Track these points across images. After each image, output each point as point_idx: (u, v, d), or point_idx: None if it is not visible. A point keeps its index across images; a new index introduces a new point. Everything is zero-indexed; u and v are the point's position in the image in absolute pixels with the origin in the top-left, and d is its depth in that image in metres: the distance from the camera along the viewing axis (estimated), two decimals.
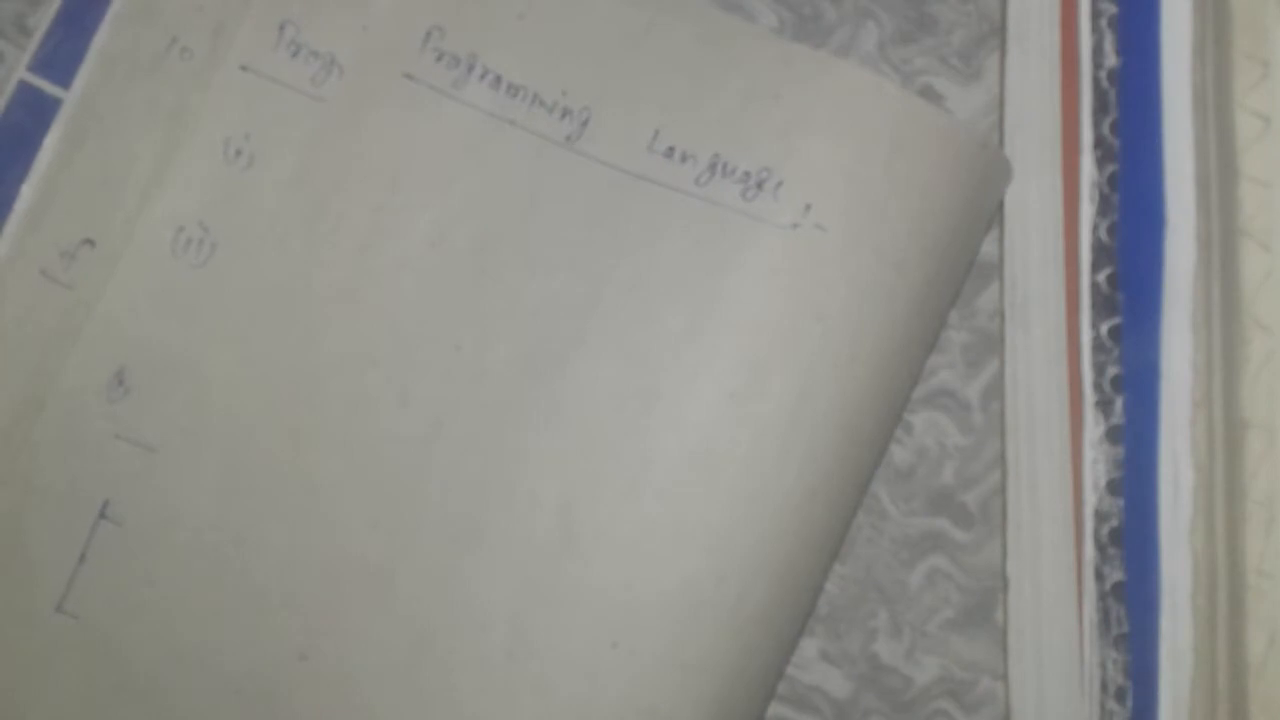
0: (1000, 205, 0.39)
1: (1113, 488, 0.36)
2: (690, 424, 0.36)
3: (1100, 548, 0.36)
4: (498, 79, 0.38)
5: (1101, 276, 0.36)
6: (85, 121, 0.37)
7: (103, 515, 0.36)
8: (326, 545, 0.36)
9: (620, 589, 0.35)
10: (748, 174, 0.37)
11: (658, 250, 0.37)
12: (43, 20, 0.37)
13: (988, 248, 0.39)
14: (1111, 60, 0.37)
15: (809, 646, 0.39)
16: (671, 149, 0.37)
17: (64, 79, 0.37)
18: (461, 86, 0.38)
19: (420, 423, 0.36)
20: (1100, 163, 0.37)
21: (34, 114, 0.37)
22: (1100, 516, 0.36)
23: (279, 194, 0.37)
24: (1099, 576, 0.36)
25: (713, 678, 0.35)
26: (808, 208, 0.36)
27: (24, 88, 0.37)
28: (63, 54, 0.37)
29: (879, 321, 0.36)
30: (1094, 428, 0.36)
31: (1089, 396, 0.36)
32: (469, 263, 0.37)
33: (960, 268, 0.38)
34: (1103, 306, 0.36)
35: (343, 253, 0.37)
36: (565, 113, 0.37)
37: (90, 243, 0.37)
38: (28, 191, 0.36)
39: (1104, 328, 0.36)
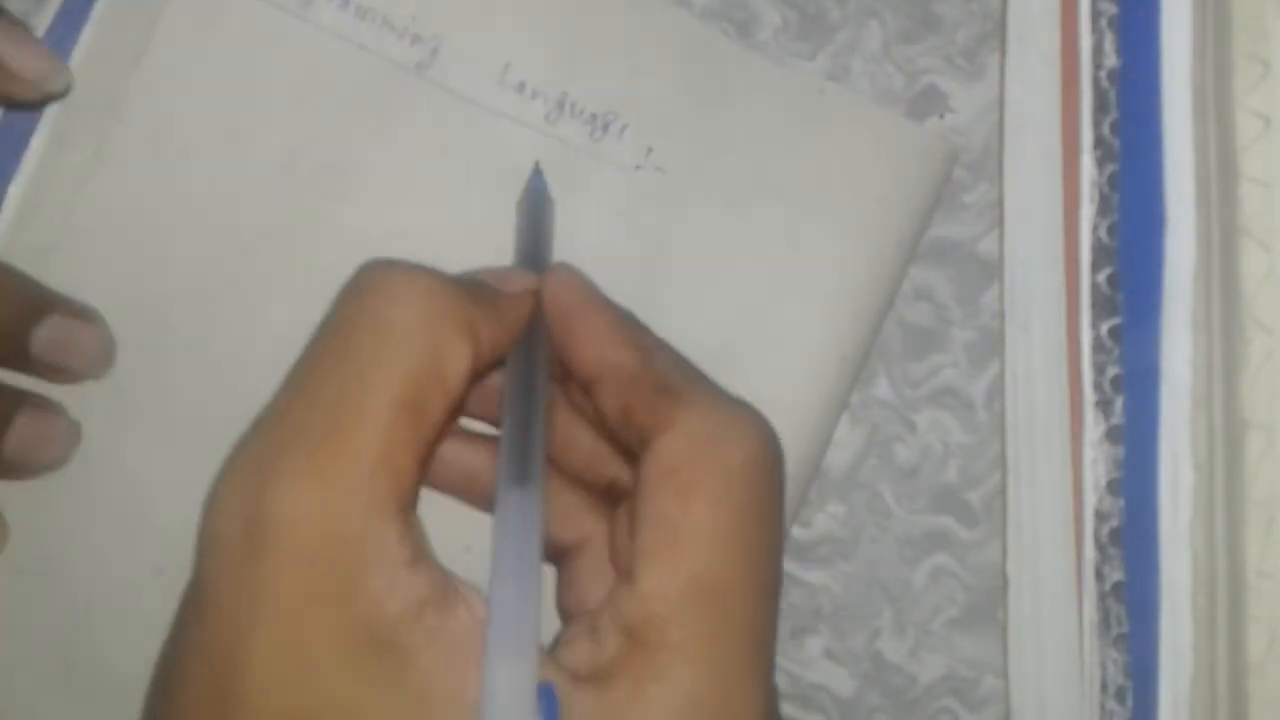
0: (931, 178, 0.39)
1: (1113, 488, 0.36)
2: None
3: (1100, 548, 0.36)
4: (345, 1, 0.38)
5: (1101, 276, 0.36)
6: (71, 118, 0.37)
7: None
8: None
9: None
10: (594, 115, 0.38)
11: (507, 184, 0.38)
12: (44, 19, 0.37)
13: (988, 247, 0.40)
14: (1111, 60, 0.37)
15: (814, 645, 0.39)
16: (522, 84, 0.38)
17: None
18: (308, 6, 0.38)
19: (269, 345, 0.36)
20: (1100, 163, 0.37)
21: (36, 113, 0.37)
22: (1100, 516, 0.36)
23: (140, 117, 0.38)
24: (1099, 576, 0.36)
25: None
26: (649, 150, 0.38)
27: None
28: (63, 52, 0.37)
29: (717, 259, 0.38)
30: (1094, 428, 0.36)
31: (1089, 396, 0.36)
32: (319, 186, 0.37)
33: (839, 212, 0.39)
34: (1103, 306, 0.36)
35: (193, 174, 0.37)
36: (415, 39, 0.38)
37: None
38: (15, 191, 0.37)
39: (1104, 328, 0.36)
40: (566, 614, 0.34)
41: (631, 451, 0.32)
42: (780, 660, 0.39)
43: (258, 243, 0.37)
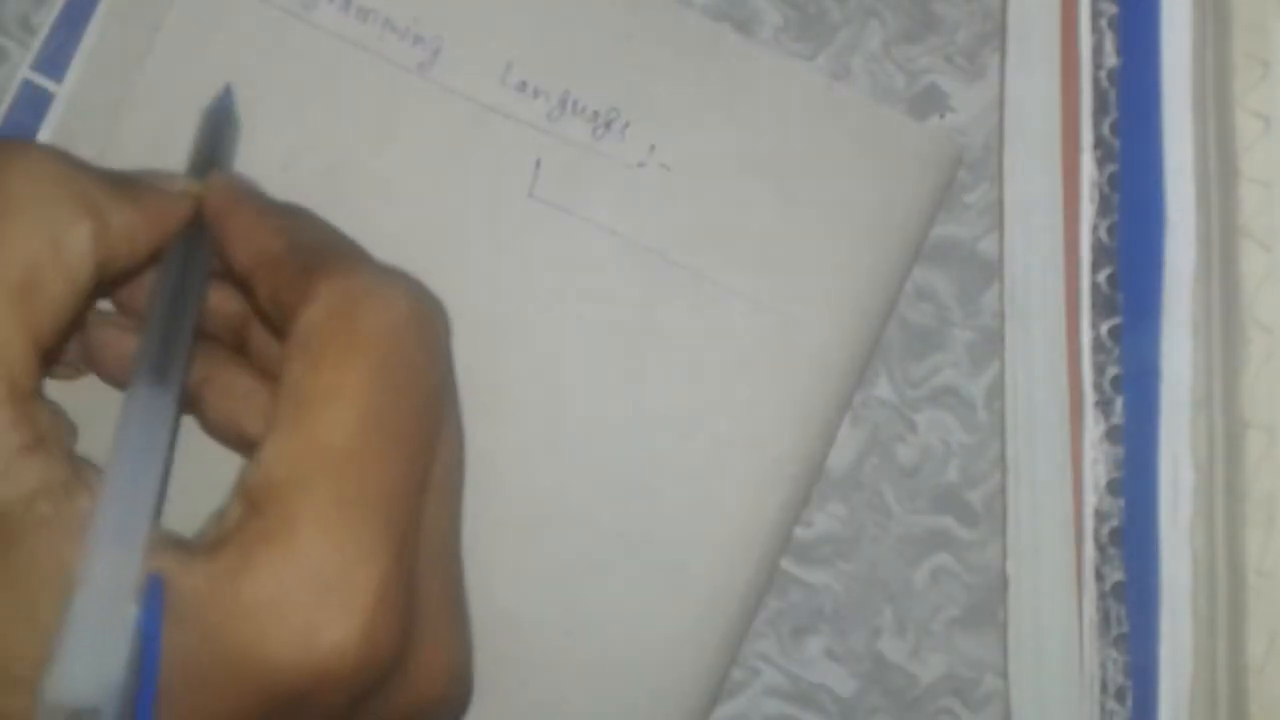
0: (941, 180, 0.39)
1: (1113, 488, 0.36)
2: None
3: (1100, 548, 0.36)
4: (347, 2, 0.38)
5: (1101, 276, 0.36)
6: (74, 120, 0.37)
7: None
8: None
9: None
10: (597, 113, 0.38)
11: (510, 183, 0.38)
12: (46, 19, 0.37)
13: (988, 247, 0.40)
14: (1111, 60, 0.37)
15: (814, 645, 0.39)
16: (524, 83, 0.38)
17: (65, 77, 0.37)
18: (311, 8, 0.38)
19: None
20: (1100, 163, 0.37)
21: (38, 113, 0.37)
22: (1100, 516, 0.36)
23: (143, 118, 0.38)
24: (1099, 576, 0.36)
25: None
26: (653, 148, 0.38)
27: (28, 86, 0.37)
28: (65, 53, 0.37)
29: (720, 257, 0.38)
30: (1094, 428, 0.36)
31: (1089, 396, 0.36)
32: (321, 188, 0.37)
33: (843, 211, 0.39)
34: (1103, 306, 0.36)
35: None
36: (417, 40, 0.38)
37: None
38: None
39: (1104, 328, 0.36)
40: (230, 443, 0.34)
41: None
42: (781, 659, 0.39)
43: None
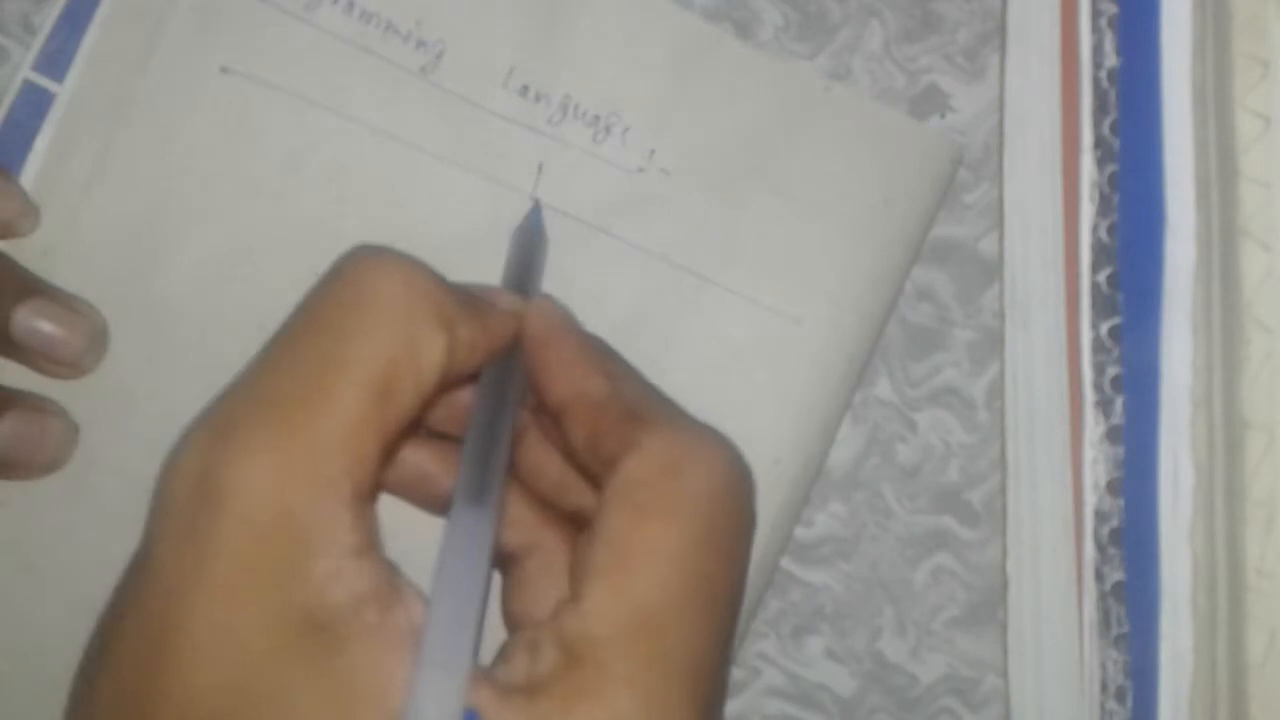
0: (940, 177, 0.39)
1: (1113, 488, 0.36)
2: None
3: (1100, 548, 0.36)
4: (350, 4, 0.38)
5: (1101, 276, 0.36)
6: (75, 121, 0.37)
7: None
8: None
9: None
10: (597, 117, 0.38)
11: (512, 188, 0.38)
12: (47, 19, 0.37)
13: (988, 247, 0.40)
14: (1111, 60, 0.37)
15: (814, 644, 0.39)
16: (525, 87, 0.38)
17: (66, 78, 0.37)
18: (314, 10, 0.38)
19: None
20: (1100, 163, 0.37)
21: (38, 113, 0.37)
22: (1100, 516, 0.36)
23: (145, 121, 0.38)
24: (1099, 576, 0.36)
25: None
26: (653, 152, 0.38)
27: (29, 86, 0.37)
28: (66, 53, 0.37)
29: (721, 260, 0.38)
30: (1094, 428, 0.36)
31: (1089, 396, 0.36)
32: (322, 190, 0.37)
33: (844, 212, 0.39)
34: (1103, 306, 0.36)
35: (197, 178, 0.37)
36: (420, 43, 0.38)
37: None
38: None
39: (1104, 328, 0.36)
40: (513, 624, 0.34)
41: (599, 481, 0.31)
42: (781, 659, 0.39)
43: (261, 246, 0.37)
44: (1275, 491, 0.34)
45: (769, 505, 0.38)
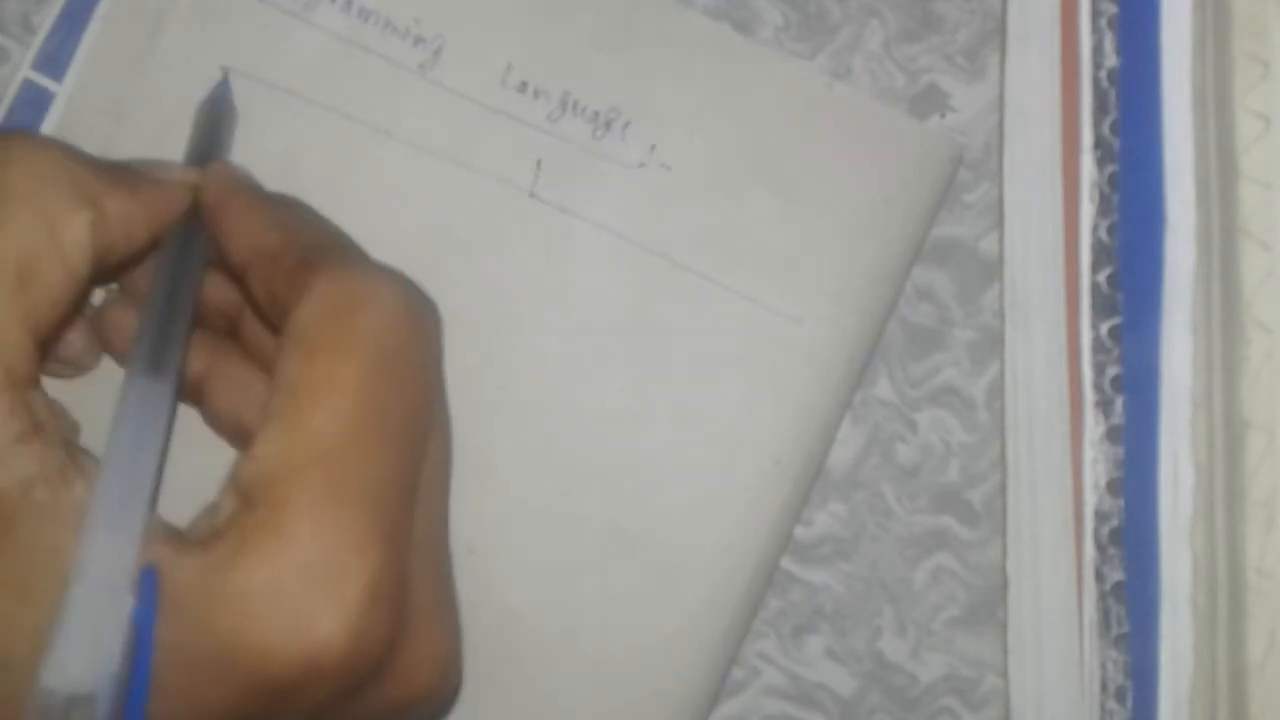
0: (943, 178, 0.39)
1: (1113, 488, 0.36)
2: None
3: (1100, 548, 0.36)
4: (349, 2, 0.38)
5: (1101, 276, 0.36)
6: (75, 120, 0.37)
7: None
8: None
9: None
10: (597, 113, 0.38)
11: (510, 183, 0.38)
12: (47, 18, 0.37)
13: (988, 247, 0.40)
14: (1111, 60, 0.37)
15: (814, 644, 0.39)
16: (524, 84, 0.38)
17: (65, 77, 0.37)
18: (312, 9, 0.38)
19: None
20: (1100, 163, 0.37)
21: (38, 112, 0.37)
22: (1100, 516, 0.36)
23: (143, 119, 0.38)
24: (1099, 576, 0.36)
25: None
26: (653, 148, 0.38)
27: (29, 86, 0.37)
28: (66, 52, 0.37)
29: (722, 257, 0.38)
30: (1094, 428, 0.36)
31: (1089, 396, 0.36)
32: (321, 188, 0.37)
33: (844, 210, 0.39)
34: (1103, 306, 0.36)
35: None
36: (418, 40, 0.38)
37: None
38: None
39: (1104, 328, 0.36)
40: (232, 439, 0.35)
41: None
42: (781, 659, 0.39)
43: None
44: (1275, 491, 0.34)
45: (769, 505, 0.38)
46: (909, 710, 0.39)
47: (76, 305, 0.31)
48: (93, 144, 0.37)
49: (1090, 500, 0.36)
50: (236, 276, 0.33)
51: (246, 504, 0.28)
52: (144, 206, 0.32)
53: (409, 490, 0.30)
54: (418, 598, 0.30)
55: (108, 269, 0.32)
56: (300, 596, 0.28)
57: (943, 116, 0.40)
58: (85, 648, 0.26)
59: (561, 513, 0.37)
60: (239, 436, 0.35)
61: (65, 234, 0.30)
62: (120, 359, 0.35)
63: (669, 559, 0.37)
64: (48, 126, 0.37)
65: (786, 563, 0.39)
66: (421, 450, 0.31)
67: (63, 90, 0.37)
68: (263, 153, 0.37)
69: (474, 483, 0.37)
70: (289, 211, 0.33)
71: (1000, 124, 0.39)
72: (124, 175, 0.32)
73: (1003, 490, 0.38)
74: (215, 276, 0.34)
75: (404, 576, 0.30)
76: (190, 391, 0.35)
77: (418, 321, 0.31)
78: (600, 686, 0.37)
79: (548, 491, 0.37)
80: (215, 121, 0.36)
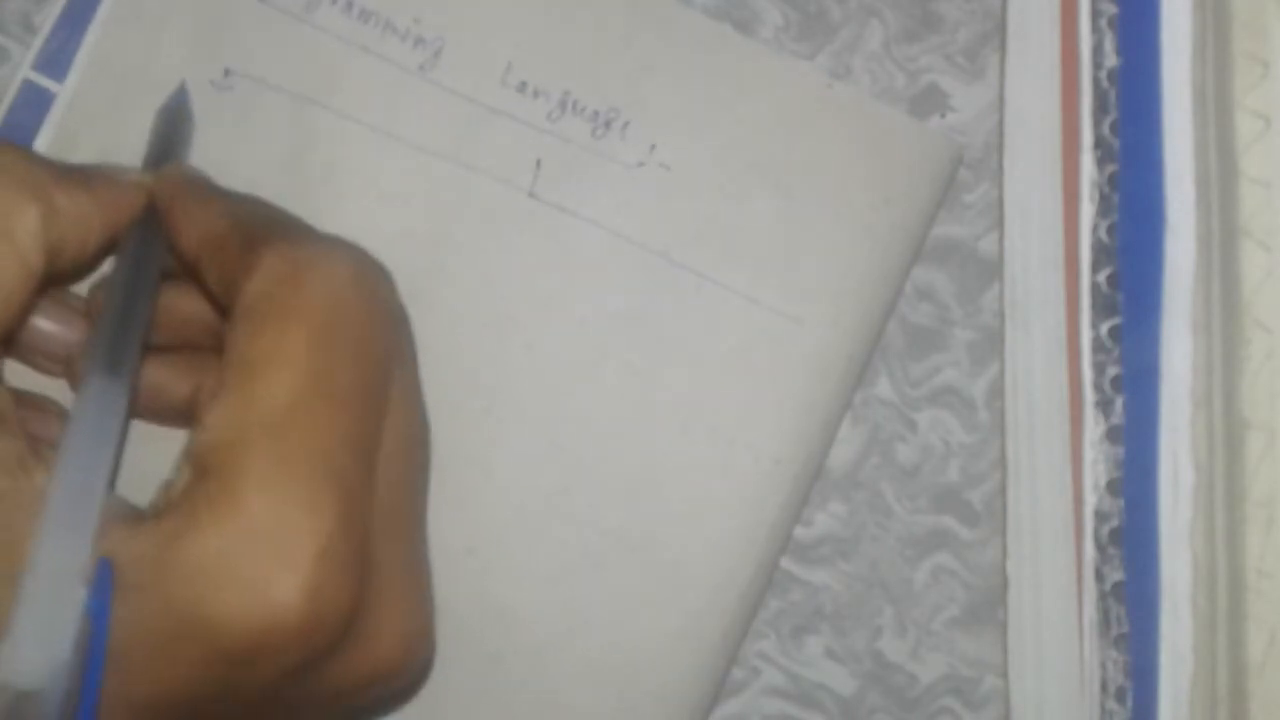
0: (943, 177, 0.39)
1: (1113, 488, 0.36)
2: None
3: (1100, 548, 0.36)
4: (349, 3, 0.38)
5: (1101, 276, 0.36)
6: (75, 120, 0.37)
7: None
8: None
9: None
10: (597, 113, 0.38)
11: (510, 183, 0.38)
12: (48, 18, 0.37)
13: (988, 247, 0.40)
14: (1111, 60, 0.37)
15: (814, 644, 0.39)
16: (524, 84, 0.38)
17: (67, 78, 0.37)
18: (313, 10, 0.38)
19: None
20: (1100, 163, 0.37)
21: (39, 113, 0.37)
22: (1100, 516, 0.36)
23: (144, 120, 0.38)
24: (1099, 576, 0.36)
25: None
26: (653, 147, 0.38)
27: (29, 86, 0.37)
28: (67, 53, 0.37)
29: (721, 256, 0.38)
30: (1094, 428, 0.36)
31: (1089, 396, 0.36)
32: (321, 189, 0.37)
33: (844, 210, 0.39)
34: (1103, 306, 0.36)
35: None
36: (418, 41, 0.38)
37: None
38: None
39: (1104, 328, 0.36)
40: None
41: None
42: (781, 659, 0.39)
43: None
44: (1275, 491, 0.35)
45: (769, 505, 0.38)
46: (909, 710, 0.39)
47: (32, 301, 0.31)
48: (93, 144, 0.37)
49: (1090, 500, 0.36)
50: (192, 271, 0.33)
51: (199, 475, 0.28)
52: (97, 203, 0.32)
53: (365, 454, 0.30)
54: (383, 565, 0.30)
55: (64, 267, 0.32)
56: (253, 562, 0.27)
57: (943, 116, 0.40)
58: (37, 642, 0.26)
59: (561, 513, 0.37)
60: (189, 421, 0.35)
61: (16, 229, 0.30)
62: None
63: (669, 559, 0.37)
64: (48, 127, 0.37)
65: (786, 563, 0.39)
66: (378, 413, 0.31)
67: (64, 91, 0.37)
68: (263, 153, 0.37)
69: (474, 483, 0.37)
70: (240, 202, 0.33)
71: (1000, 124, 0.39)
72: (77, 173, 0.32)
73: (1003, 490, 0.38)
74: (193, 291, 0.35)
75: (364, 541, 0.29)
76: (180, 415, 0.35)
77: (367, 286, 0.31)
78: (600, 686, 0.37)
79: (548, 492, 0.37)
80: (171, 127, 0.36)
